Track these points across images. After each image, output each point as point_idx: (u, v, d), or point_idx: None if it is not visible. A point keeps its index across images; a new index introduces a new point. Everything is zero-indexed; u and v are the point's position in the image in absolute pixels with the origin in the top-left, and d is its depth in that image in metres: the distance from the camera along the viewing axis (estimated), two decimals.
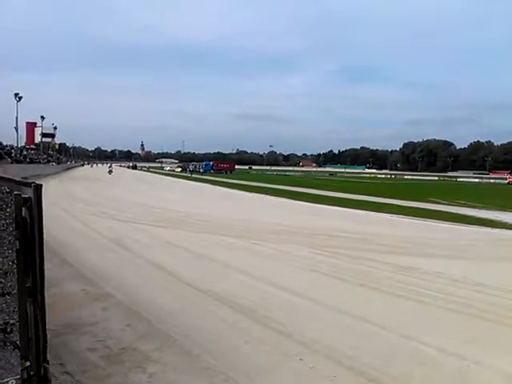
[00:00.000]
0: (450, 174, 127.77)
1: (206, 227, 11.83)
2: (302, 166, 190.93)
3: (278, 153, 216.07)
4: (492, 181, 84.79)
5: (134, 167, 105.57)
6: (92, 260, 7.61)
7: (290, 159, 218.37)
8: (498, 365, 3.92)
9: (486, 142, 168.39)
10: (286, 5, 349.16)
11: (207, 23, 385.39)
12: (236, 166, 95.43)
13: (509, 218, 15.84)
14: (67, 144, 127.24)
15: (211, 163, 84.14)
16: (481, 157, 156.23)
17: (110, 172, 53.48)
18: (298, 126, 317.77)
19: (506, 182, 72.85)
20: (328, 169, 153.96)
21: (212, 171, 75.72)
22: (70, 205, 16.68)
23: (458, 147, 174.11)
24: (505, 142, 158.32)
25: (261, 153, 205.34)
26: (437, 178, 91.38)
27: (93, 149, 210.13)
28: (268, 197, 24.69)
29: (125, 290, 5.83)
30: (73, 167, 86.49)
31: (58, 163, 71.62)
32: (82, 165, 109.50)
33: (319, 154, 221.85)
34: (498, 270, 7.92)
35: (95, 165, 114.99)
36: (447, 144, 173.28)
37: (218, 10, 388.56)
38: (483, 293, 6.18)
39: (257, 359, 3.93)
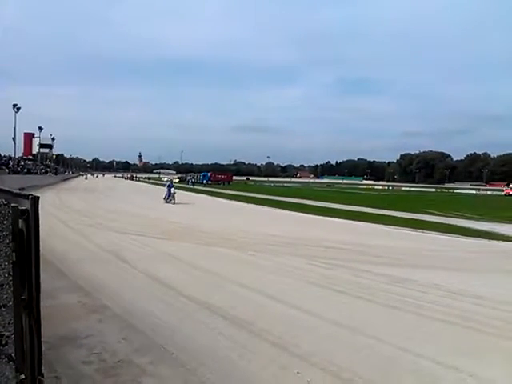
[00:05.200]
0: (447, 185, 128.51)
1: (207, 239, 11.80)
2: (300, 177, 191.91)
3: (275, 164, 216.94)
4: (489, 192, 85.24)
5: (131, 178, 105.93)
6: (89, 272, 7.57)
7: (287, 170, 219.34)
8: (495, 377, 3.91)
9: (483, 153, 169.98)
10: (283, 18, 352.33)
11: (205, 35, 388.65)
12: (234, 178, 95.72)
13: (506, 230, 15.90)
14: (65, 155, 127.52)
15: (209, 174, 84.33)
16: (477, 168, 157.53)
17: (170, 199, 25.48)
18: (296, 137, 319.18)
19: (503, 193, 73.13)
20: (325, 180, 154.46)
21: (210, 182, 75.85)
22: (67, 216, 16.62)
23: (454, 159, 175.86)
24: (501, 154, 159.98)
25: (258, 164, 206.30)
26: (434, 190, 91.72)
27: (90, 160, 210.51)
28: (266, 208, 24.70)
29: (121, 303, 5.79)
30: (70, 178, 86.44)
31: (56, 174, 71.63)
32: (77, 176, 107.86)
33: (317, 166, 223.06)
34: (496, 282, 7.92)
35: (91, 176, 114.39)
36: (444, 156, 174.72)
37: (216, 23, 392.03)
38: (481, 305, 6.18)
39: (254, 372, 3.90)
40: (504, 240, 13.55)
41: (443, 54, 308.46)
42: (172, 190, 25.77)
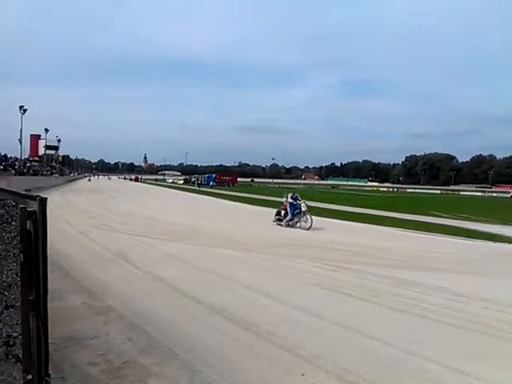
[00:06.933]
0: (452, 187, 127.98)
1: (212, 241, 11.81)
2: (304, 178, 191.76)
3: (280, 165, 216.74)
4: (495, 194, 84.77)
5: (136, 179, 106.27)
6: (94, 273, 7.60)
7: (292, 172, 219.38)
8: (502, 381, 3.88)
9: (489, 155, 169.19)
10: (288, 19, 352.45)
11: (210, 36, 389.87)
12: (238, 179, 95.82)
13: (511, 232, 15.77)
14: (70, 156, 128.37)
15: (214, 176, 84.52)
16: (483, 170, 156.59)
17: (296, 220, 15.87)
18: (301, 138, 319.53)
19: (509, 195, 72.65)
20: (330, 181, 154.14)
21: (215, 184, 75.98)
22: (73, 217, 16.69)
23: (460, 160, 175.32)
24: (507, 156, 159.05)
25: (263, 165, 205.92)
26: (439, 192, 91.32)
27: (96, 161, 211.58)
28: (271, 209, 24.65)
29: (127, 304, 5.81)
30: (76, 179, 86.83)
31: (61, 175, 72.01)
32: (83, 177, 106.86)
33: (321, 167, 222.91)
34: (502, 285, 7.86)
35: (96, 177, 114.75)
36: (449, 157, 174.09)
37: (221, 23, 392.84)
38: (487, 308, 6.14)
39: (258, 374, 3.90)
40: (510, 243, 13.44)
41: (449, 54, 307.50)
42: (303, 206, 15.86)
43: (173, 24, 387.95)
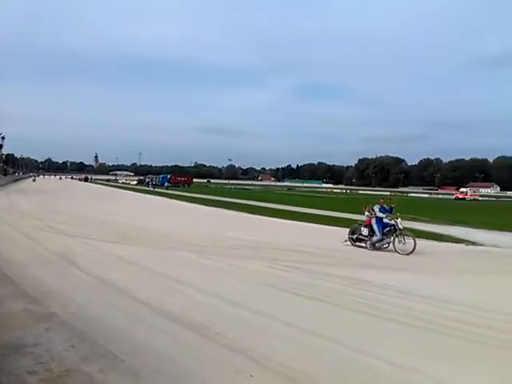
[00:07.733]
0: (401, 189, 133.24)
1: (165, 243, 11.58)
2: (261, 180, 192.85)
3: (236, 166, 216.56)
4: (440, 196, 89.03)
5: (86, 179, 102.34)
6: (37, 277, 7.22)
7: (248, 173, 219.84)
8: (453, 378, 3.99)
9: (435, 159, 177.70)
10: (244, 20, 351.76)
11: (166, 34, 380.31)
12: (194, 180, 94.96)
13: (456, 232, 16.61)
14: (15, 155, 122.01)
15: (168, 176, 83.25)
16: (430, 173, 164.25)
17: (385, 242, 11.95)
18: (257, 140, 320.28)
19: (453, 197, 76.57)
20: (286, 183, 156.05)
21: (169, 184, 74.80)
22: (16, 219, 15.87)
23: (409, 164, 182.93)
24: (453, 160, 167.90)
25: (219, 166, 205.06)
26: (388, 193, 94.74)
27: (43, 160, 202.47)
28: (226, 211, 24.63)
29: (70, 309, 5.54)
30: (21, 179, 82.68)
31: (5, 175, 68.22)
32: (28, 177, 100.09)
33: (278, 169, 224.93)
34: (444, 283, 8.24)
35: (42, 176, 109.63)
36: (399, 160, 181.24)
37: (177, 22, 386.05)
38: (431, 305, 6.36)
39: (208, 377, 3.83)
40: (454, 242, 14.15)
41: (399, 60, 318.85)
42: (399, 222, 11.81)
43: (127, 20, 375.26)
